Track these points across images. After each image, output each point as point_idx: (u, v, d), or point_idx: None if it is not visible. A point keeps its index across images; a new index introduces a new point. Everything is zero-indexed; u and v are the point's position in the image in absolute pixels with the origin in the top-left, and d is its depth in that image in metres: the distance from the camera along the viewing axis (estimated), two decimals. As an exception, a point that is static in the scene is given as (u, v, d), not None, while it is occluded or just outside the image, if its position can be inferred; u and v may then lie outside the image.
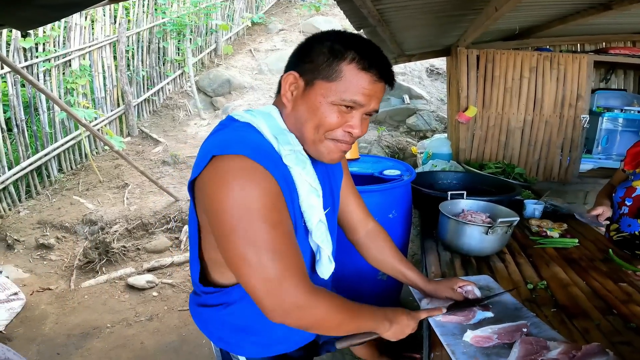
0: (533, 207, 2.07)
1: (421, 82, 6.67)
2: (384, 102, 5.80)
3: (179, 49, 6.17)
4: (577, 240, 1.72)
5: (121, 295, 2.92)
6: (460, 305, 1.11)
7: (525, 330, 0.99)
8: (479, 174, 2.75)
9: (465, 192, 1.87)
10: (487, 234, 1.48)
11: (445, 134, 4.57)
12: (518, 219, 1.47)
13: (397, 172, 2.10)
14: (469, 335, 0.97)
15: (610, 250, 1.57)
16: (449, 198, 1.83)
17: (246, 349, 0.94)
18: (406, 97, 6.05)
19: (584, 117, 3.27)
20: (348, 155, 2.22)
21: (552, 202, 2.25)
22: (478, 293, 1.14)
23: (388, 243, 1.15)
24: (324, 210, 0.86)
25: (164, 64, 5.97)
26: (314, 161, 0.83)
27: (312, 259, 0.91)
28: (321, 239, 0.85)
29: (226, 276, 0.86)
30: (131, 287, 2.98)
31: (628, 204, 1.67)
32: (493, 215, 1.63)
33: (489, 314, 1.09)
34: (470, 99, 3.30)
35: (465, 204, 1.79)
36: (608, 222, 1.83)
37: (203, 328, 0.98)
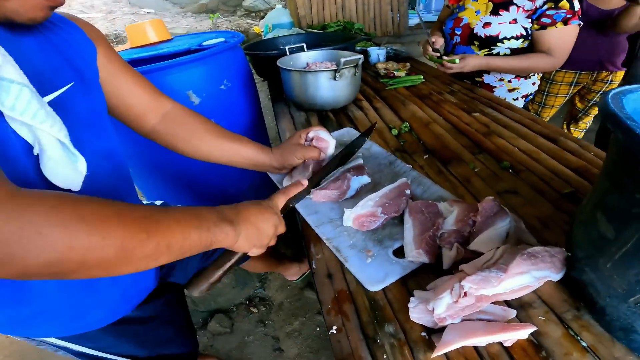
0: (377, 52, 2.00)
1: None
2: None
3: None
4: (422, 77, 1.66)
5: None
6: (325, 171, 0.83)
7: (408, 192, 0.76)
8: (321, 32, 2.49)
9: (305, 45, 1.54)
10: (335, 79, 1.21)
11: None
12: (362, 56, 1.24)
13: (220, 40, 1.60)
14: (350, 217, 0.71)
15: (429, 54, 1.58)
16: (287, 53, 1.47)
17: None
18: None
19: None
20: (156, 37, 1.61)
21: (392, 47, 2.21)
22: (327, 136, 0.88)
23: (201, 122, 0.84)
24: (63, 87, 0.58)
25: None
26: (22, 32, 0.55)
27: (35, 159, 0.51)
28: (37, 118, 0.48)
29: None
30: None
31: (458, 33, 1.66)
32: (338, 62, 1.37)
33: (366, 179, 0.84)
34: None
35: (308, 56, 1.49)
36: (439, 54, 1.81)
37: None
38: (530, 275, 0.51)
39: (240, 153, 0.85)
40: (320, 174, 0.83)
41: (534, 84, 1.69)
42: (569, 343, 0.50)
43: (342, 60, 1.18)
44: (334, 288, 0.64)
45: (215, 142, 0.83)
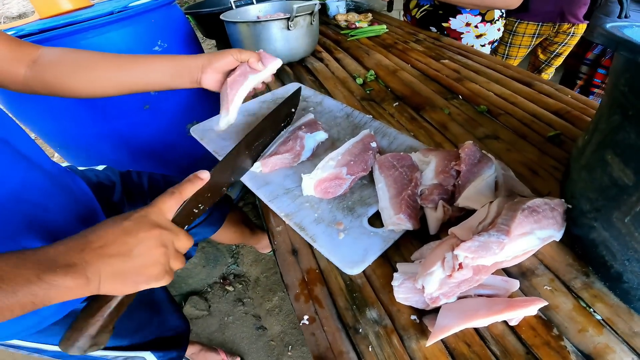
0: (335, 4, 1.83)
1: None
2: None
3: None
4: (385, 27, 1.54)
5: None
6: (254, 136, 0.66)
7: (374, 145, 0.65)
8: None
9: (253, -5, 1.35)
10: (288, 28, 1.06)
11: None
12: (317, 2, 1.08)
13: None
14: (311, 184, 0.58)
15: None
16: (233, 7, 1.28)
17: None
18: None
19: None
20: (70, 5, 1.35)
21: None
22: (272, 60, 0.73)
23: (88, 54, 0.67)
24: None
25: None
26: None
27: None
28: None
29: None
30: None
31: None
32: (291, 11, 1.21)
33: (322, 135, 0.71)
34: None
35: (257, 9, 1.31)
36: None
37: None
38: (534, 236, 0.42)
39: (150, 75, 0.67)
40: (251, 138, 0.65)
41: (499, 29, 1.63)
42: (582, 317, 0.42)
43: (295, 6, 1.02)
44: (301, 267, 0.54)
45: (110, 69, 0.66)
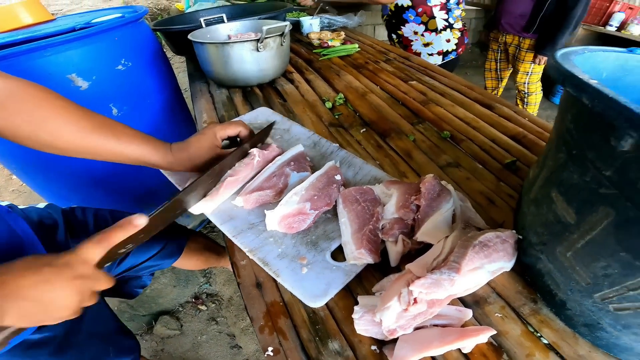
0: (309, 22, 1.85)
1: None
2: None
3: None
4: (357, 45, 1.57)
5: None
6: (224, 167, 0.66)
7: (338, 178, 0.65)
8: (247, 4, 2.25)
9: (224, 15, 1.35)
10: (258, 50, 1.06)
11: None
12: (288, 24, 1.10)
13: (116, 16, 1.34)
14: (275, 219, 0.58)
15: None
16: (203, 25, 1.28)
17: None
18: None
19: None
20: (30, 19, 1.31)
21: (326, 16, 2.07)
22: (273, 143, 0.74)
23: (55, 101, 0.58)
24: None
25: None
26: None
27: None
28: None
29: None
30: None
31: None
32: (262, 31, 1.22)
33: (307, 175, 0.69)
34: None
35: (229, 28, 1.31)
36: None
37: None
38: (484, 270, 0.44)
39: (121, 151, 0.62)
40: (206, 179, 0.63)
41: (448, 40, 1.74)
42: (530, 342, 0.44)
43: (265, 28, 1.03)
44: (265, 300, 0.53)
45: (77, 131, 0.58)
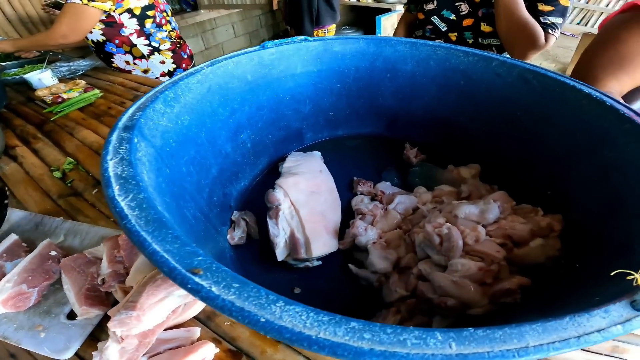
0: (37, 77, 1.60)
1: None
2: None
3: None
4: (98, 91, 1.49)
5: None
6: None
7: (54, 253, 0.69)
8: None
9: None
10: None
11: None
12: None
13: None
14: None
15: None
16: None
17: None
18: None
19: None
20: None
21: (62, 63, 1.87)
22: None
23: None
24: None
25: None
26: None
27: None
28: None
29: None
30: None
31: None
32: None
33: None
34: None
35: None
36: None
37: None
38: (174, 296, 0.54)
39: None
40: None
41: (162, 62, 1.82)
42: (259, 341, 0.57)
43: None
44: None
45: None
